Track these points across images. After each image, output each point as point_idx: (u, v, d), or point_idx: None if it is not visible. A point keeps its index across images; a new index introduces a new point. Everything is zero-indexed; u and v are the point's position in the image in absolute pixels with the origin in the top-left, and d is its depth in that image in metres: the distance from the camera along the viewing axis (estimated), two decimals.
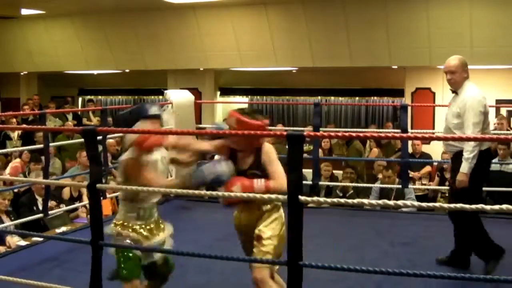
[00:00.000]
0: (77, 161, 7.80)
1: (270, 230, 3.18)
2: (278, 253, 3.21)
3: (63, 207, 6.40)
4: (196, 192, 3.23)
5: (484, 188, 6.49)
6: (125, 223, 3.25)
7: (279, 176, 3.09)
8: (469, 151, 4.03)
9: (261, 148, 3.16)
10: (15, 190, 6.86)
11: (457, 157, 4.16)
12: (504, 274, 2.57)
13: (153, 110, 3.33)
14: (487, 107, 4.21)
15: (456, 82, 4.32)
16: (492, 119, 8.92)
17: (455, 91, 4.32)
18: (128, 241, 3.20)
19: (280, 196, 2.88)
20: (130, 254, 3.18)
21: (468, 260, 4.34)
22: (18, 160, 8.21)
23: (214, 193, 3.23)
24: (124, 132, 3.54)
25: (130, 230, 3.23)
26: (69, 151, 8.94)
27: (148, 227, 3.31)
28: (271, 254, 3.12)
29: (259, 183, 3.08)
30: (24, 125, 9.75)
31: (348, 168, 7.45)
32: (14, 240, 5.49)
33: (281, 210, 3.25)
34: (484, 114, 4.14)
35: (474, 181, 4.06)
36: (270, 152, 3.15)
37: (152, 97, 14.11)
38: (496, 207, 2.44)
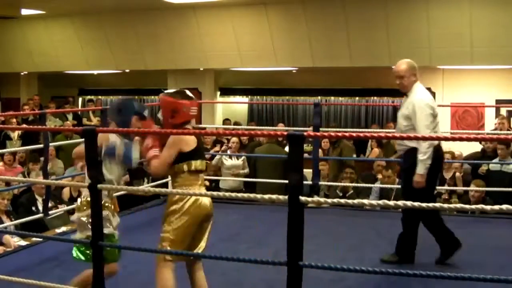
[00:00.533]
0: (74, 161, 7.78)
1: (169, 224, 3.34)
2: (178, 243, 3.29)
3: (63, 207, 6.40)
4: (197, 192, 3.23)
5: (484, 188, 6.52)
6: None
7: (160, 159, 3.35)
8: (423, 153, 4.17)
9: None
10: (15, 191, 6.87)
11: (407, 155, 4.34)
12: (504, 274, 2.57)
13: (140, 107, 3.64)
14: (436, 109, 4.37)
15: (404, 86, 4.51)
16: (493, 119, 8.96)
17: (405, 94, 4.49)
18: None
19: (281, 197, 2.88)
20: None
21: (413, 255, 4.51)
22: (0, 163, 8.16)
23: (214, 193, 3.23)
24: (124, 132, 3.54)
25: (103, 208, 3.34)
26: (65, 152, 8.91)
27: (112, 205, 3.54)
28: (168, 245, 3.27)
29: (150, 153, 3.38)
30: (24, 125, 9.75)
31: (348, 168, 7.45)
32: (11, 241, 5.47)
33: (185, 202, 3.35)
34: (433, 116, 4.31)
35: (427, 180, 4.21)
36: (170, 140, 3.39)
37: (152, 97, 14.12)
38: (496, 207, 2.44)
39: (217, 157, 7.81)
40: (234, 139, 7.84)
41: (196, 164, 3.40)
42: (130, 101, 3.70)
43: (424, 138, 4.14)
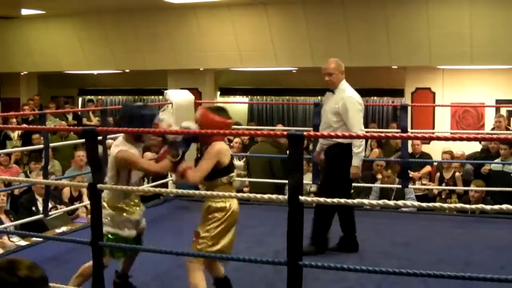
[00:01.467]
0: (70, 162, 7.78)
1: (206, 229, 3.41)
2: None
3: (63, 208, 6.40)
4: (197, 192, 3.23)
5: (484, 188, 6.52)
6: (115, 205, 3.60)
7: (198, 170, 3.38)
8: (357, 146, 4.50)
9: (208, 146, 3.42)
10: (15, 192, 6.88)
11: (331, 149, 4.65)
12: (504, 274, 2.57)
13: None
14: (363, 105, 4.70)
15: (333, 83, 4.77)
16: (493, 120, 8.95)
17: (331, 90, 4.77)
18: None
19: (281, 197, 2.88)
20: (112, 237, 3.53)
21: (356, 243, 4.75)
22: None
23: (215, 193, 3.23)
24: (124, 132, 3.55)
25: (121, 211, 3.59)
26: (60, 152, 8.91)
27: (132, 202, 3.71)
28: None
29: (182, 166, 3.41)
30: (24, 125, 9.75)
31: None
32: (6, 242, 5.46)
33: (227, 212, 3.42)
34: (361, 112, 4.67)
35: (343, 173, 4.54)
36: (210, 150, 3.40)
37: (152, 97, 14.11)
38: (496, 207, 2.44)
39: None
40: (237, 139, 7.84)
41: (234, 176, 3.54)
42: (144, 111, 3.77)
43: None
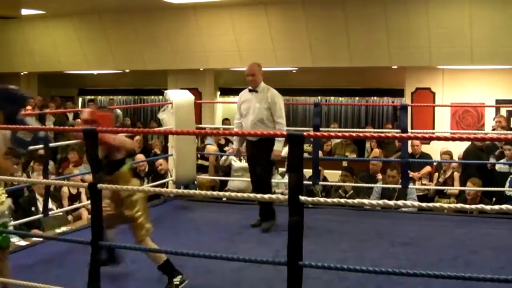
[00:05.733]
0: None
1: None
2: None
3: (63, 208, 6.40)
4: (197, 192, 3.24)
5: (484, 189, 6.52)
6: None
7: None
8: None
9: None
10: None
11: (260, 141, 5.30)
12: (504, 274, 2.57)
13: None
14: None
15: (256, 82, 5.58)
16: (492, 119, 8.95)
17: (254, 90, 5.57)
18: None
19: (281, 196, 2.88)
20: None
21: (273, 211, 5.43)
22: None
23: (215, 193, 3.23)
24: (124, 132, 3.55)
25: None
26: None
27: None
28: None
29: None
30: (24, 125, 9.73)
31: (344, 171, 7.47)
32: None
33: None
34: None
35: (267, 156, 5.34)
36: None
37: (152, 97, 14.12)
38: (496, 207, 2.44)
39: (224, 157, 7.88)
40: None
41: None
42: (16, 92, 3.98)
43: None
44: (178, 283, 3.79)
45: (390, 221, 5.84)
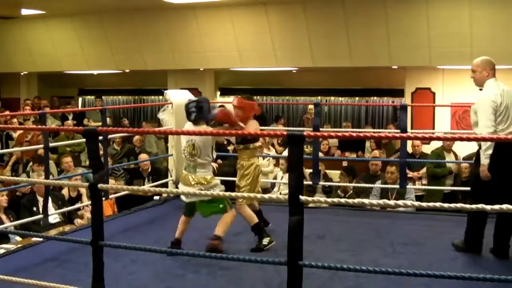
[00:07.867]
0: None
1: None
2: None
3: (63, 208, 6.40)
4: (197, 192, 3.24)
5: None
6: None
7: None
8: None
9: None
10: (17, 193, 6.87)
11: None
12: (504, 273, 2.57)
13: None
14: None
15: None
16: None
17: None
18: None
19: (281, 196, 2.88)
20: None
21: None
22: None
23: (215, 193, 3.24)
24: (124, 132, 3.55)
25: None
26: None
27: None
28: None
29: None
30: (25, 125, 9.74)
31: (344, 171, 7.49)
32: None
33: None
34: None
35: None
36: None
37: (152, 97, 14.11)
38: (496, 207, 2.44)
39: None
40: None
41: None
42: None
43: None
44: (266, 243, 4.60)
45: (390, 221, 5.84)
